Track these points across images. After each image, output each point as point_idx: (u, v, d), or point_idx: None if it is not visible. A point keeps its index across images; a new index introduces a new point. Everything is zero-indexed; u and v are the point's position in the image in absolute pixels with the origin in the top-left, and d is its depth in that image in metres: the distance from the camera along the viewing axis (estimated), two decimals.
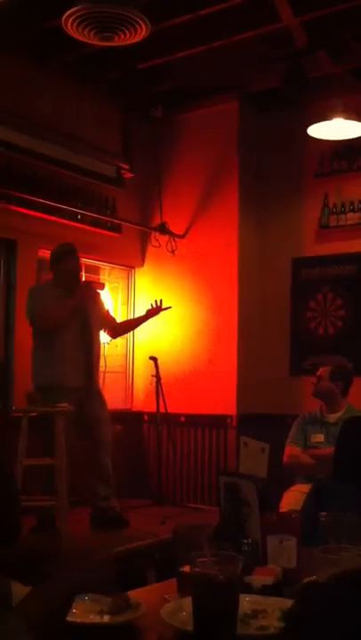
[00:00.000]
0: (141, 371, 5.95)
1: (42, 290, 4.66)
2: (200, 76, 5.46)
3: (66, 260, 4.55)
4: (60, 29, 4.19)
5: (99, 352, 4.81)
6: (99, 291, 4.94)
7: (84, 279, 5.56)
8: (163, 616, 1.41)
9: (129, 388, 6.07)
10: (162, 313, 5.13)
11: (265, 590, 1.54)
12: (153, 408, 5.48)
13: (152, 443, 5.76)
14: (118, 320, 5.64)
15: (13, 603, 1.19)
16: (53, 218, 5.18)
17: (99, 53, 4.88)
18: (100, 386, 4.96)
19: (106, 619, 1.46)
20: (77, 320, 4.53)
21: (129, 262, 6.08)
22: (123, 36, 4.25)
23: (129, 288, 6.13)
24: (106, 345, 5.75)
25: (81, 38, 4.27)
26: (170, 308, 5.18)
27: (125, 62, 5.19)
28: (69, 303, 4.49)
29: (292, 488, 3.95)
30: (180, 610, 1.43)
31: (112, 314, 5.28)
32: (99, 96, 5.66)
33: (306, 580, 1.17)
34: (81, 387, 4.50)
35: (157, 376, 5.42)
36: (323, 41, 4.84)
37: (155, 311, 5.06)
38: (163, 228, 5.89)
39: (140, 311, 6.08)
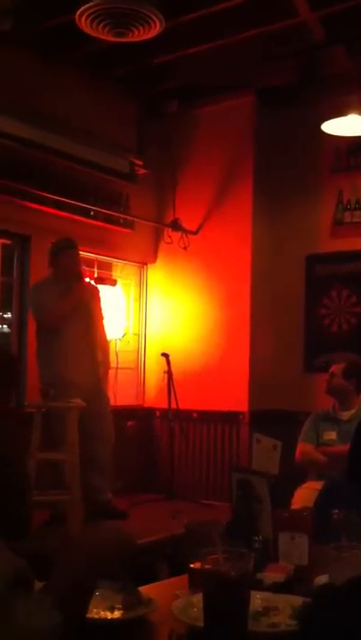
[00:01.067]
0: (153, 367, 5.96)
1: (42, 287, 4.64)
2: (214, 71, 5.44)
3: (63, 256, 4.54)
4: (75, 25, 4.19)
5: (104, 348, 4.79)
6: (111, 287, 4.95)
7: (95, 275, 5.60)
8: (174, 612, 1.42)
9: (141, 384, 6.08)
10: (174, 309, 5.13)
11: (276, 587, 1.54)
12: (165, 404, 5.48)
13: (164, 439, 5.76)
14: (128, 321, 5.69)
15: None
16: (67, 214, 5.19)
17: (112, 49, 4.87)
18: (108, 382, 4.97)
19: (117, 614, 1.46)
20: (80, 316, 4.54)
21: (142, 259, 6.08)
22: (137, 32, 4.24)
23: (141, 284, 6.13)
24: (118, 341, 5.76)
25: (95, 34, 4.27)
26: None
27: (139, 58, 5.18)
28: (70, 300, 4.49)
29: (305, 485, 3.94)
30: (191, 606, 1.43)
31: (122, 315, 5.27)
32: (112, 92, 5.66)
33: (322, 583, 1.17)
34: (85, 383, 4.50)
35: (169, 372, 5.43)
36: (340, 36, 4.81)
37: None
38: (176, 225, 5.88)
39: (153, 307, 6.10)
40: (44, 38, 4.91)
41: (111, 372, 5.64)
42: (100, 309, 4.80)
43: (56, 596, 1.10)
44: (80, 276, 4.65)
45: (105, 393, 4.78)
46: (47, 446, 4.40)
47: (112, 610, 1.47)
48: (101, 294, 5.00)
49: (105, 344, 4.82)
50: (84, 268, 5.46)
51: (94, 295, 4.80)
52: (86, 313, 4.58)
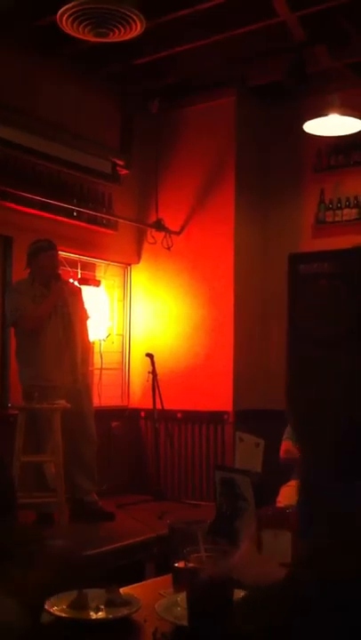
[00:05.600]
0: (138, 367, 5.95)
1: (18, 289, 4.61)
2: (199, 70, 5.45)
3: (41, 257, 4.52)
4: (57, 26, 4.18)
5: (85, 348, 4.77)
6: (95, 288, 4.94)
7: (79, 275, 5.59)
8: (158, 611, 1.42)
9: (125, 384, 6.07)
10: (158, 309, 5.13)
11: None
12: (150, 405, 5.48)
13: (149, 439, 5.76)
14: (113, 322, 5.68)
15: None
16: (49, 215, 5.18)
17: (97, 48, 4.87)
18: (92, 382, 4.94)
19: (101, 614, 1.46)
20: (59, 317, 4.52)
21: (125, 259, 6.07)
22: (117, 33, 4.24)
23: (125, 285, 6.13)
24: (102, 342, 5.75)
25: (76, 35, 4.26)
26: None
27: (124, 57, 5.18)
28: (48, 301, 4.47)
29: (290, 483, 3.96)
30: (175, 605, 1.44)
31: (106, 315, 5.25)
32: (96, 91, 5.65)
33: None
34: (65, 384, 4.49)
35: (154, 373, 5.42)
36: (321, 35, 4.83)
37: None
38: (159, 225, 5.88)
39: (137, 308, 6.09)
40: (27, 38, 4.90)
41: (96, 373, 5.64)
42: (82, 309, 4.78)
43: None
44: (58, 278, 4.63)
45: (87, 393, 4.76)
46: (30, 448, 4.39)
47: (96, 610, 1.47)
48: (84, 294, 4.98)
49: (86, 344, 4.79)
50: (68, 268, 5.46)
51: (75, 295, 4.78)
52: (65, 313, 4.56)
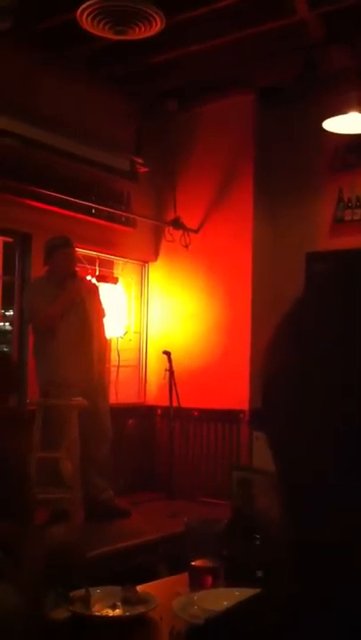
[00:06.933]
0: (154, 365, 5.96)
1: (34, 287, 4.64)
2: (214, 69, 5.44)
3: (58, 255, 4.53)
4: (75, 23, 4.19)
5: (102, 345, 4.78)
6: (112, 285, 4.95)
7: (97, 272, 5.60)
8: (174, 610, 1.42)
9: (142, 382, 6.08)
10: (175, 307, 5.13)
11: None
12: (166, 402, 5.48)
13: (164, 437, 5.77)
14: (130, 319, 5.68)
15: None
16: (68, 212, 5.19)
17: (113, 47, 4.87)
18: (108, 380, 4.95)
19: (118, 611, 1.46)
20: (75, 315, 4.53)
21: (143, 257, 6.08)
22: (137, 30, 4.25)
23: (142, 283, 6.14)
24: (119, 339, 5.76)
25: (95, 32, 4.28)
26: None
27: (140, 56, 5.18)
28: (63, 299, 4.48)
29: None
30: (192, 604, 1.44)
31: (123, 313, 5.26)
32: (113, 90, 5.66)
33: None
34: (80, 381, 4.50)
35: (170, 370, 5.43)
36: (339, 34, 4.80)
37: None
38: (177, 223, 5.88)
39: (154, 306, 6.10)
40: (44, 37, 4.91)
41: (113, 370, 5.65)
42: (99, 307, 4.79)
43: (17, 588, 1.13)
44: (74, 275, 4.64)
45: (103, 390, 4.77)
46: (46, 445, 4.40)
47: (113, 608, 1.48)
48: (102, 292, 4.99)
49: (103, 342, 4.80)
50: (86, 265, 5.48)
51: (92, 293, 4.79)
52: (82, 311, 4.57)
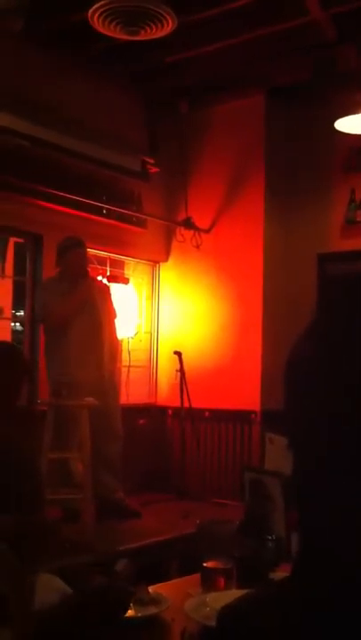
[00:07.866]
0: (165, 365, 5.96)
1: (46, 287, 4.67)
2: (226, 70, 5.43)
3: (70, 255, 4.54)
4: (86, 22, 4.19)
5: (113, 346, 4.78)
6: (123, 285, 4.95)
7: (108, 273, 5.61)
8: (187, 611, 1.42)
9: (153, 382, 6.08)
10: (186, 307, 5.12)
11: None
12: (177, 403, 5.48)
13: (176, 437, 5.76)
14: (141, 320, 5.68)
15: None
16: (79, 212, 5.20)
17: (125, 47, 4.87)
18: (119, 380, 4.96)
19: (130, 612, 1.46)
20: (86, 315, 4.54)
21: (154, 257, 6.08)
22: (149, 31, 4.24)
23: (153, 283, 6.14)
24: (130, 339, 5.77)
25: (107, 32, 4.28)
26: None
27: (152, 56, 5.18)
28: (75, 299, 4.49)
29: None
30: (204, 605, 1.43)
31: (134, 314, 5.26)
32: (125, 90, 5.66)
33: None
34: (91, 381, 4.50)
35: (182, 371, 5.42)
36: (352, 34, 4.79)
37: None
38: (188, 223, 5.88)
39: (165, 306, 6.10)
40: (56, 37, 4.92)
41: (124, 370, 5.66)
42: (111, 307, 4.80)
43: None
44: (86, 275, 4.65)
45: (114, 390, 4.77)
46: (57, 445, 4.41)
47: None
48: (113, 292, 5.00)
49: (114, 342, 4.81)
50: (97, 265, 5.48)
51: (103, 293, 4.80)
52: (93, 311, 4.57)
